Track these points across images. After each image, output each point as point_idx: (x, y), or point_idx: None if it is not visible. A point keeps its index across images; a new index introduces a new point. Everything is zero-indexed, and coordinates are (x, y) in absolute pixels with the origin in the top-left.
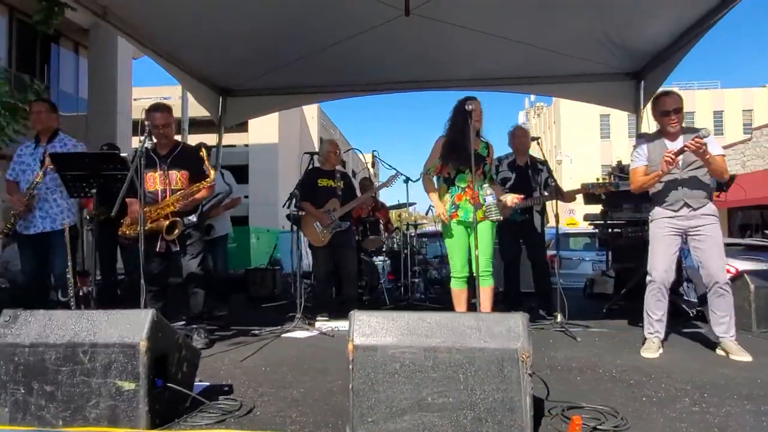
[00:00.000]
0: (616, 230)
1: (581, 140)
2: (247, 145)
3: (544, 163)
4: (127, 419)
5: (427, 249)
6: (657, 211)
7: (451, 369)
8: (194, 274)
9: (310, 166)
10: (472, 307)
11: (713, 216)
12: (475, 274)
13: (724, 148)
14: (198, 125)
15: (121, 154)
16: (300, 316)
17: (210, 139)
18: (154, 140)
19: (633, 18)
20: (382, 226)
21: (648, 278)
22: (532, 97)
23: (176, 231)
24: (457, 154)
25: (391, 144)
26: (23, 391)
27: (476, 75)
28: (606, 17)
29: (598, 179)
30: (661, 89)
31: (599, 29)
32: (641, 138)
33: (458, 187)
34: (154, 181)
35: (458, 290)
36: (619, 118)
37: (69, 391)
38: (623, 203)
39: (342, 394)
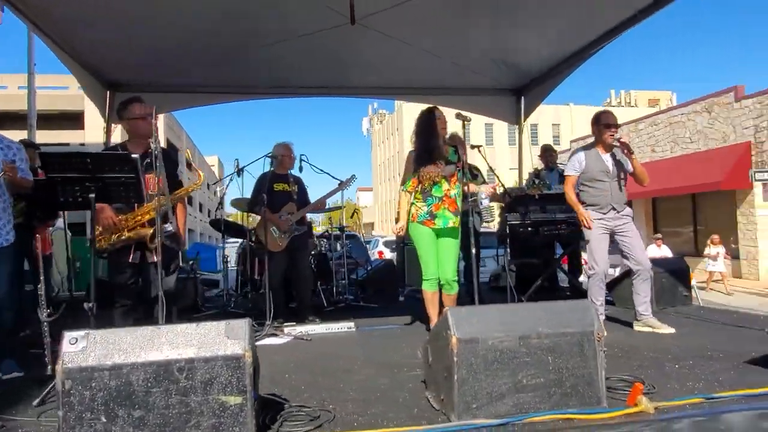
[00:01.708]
0: (529, 228)
1: None
2: (83, 144)
3: (478, 169)
4: None
5: (351, 251)
6: (590, 214)
7: (541, 353)
8: (171, 292)
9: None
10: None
11: (630, 216)
12: (442, 282)
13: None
14: (47, 120)
15: (133, 155)
16: (269, 323)
17: (57, 136)
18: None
19: (524, 42)
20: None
21: (590, 271)
22: (375, 104)
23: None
24: (429, 156)
25: (239, 150)
26: (104, 420)
27: (385, 84)
28: (503, 39)
29: (516, 182)
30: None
31: (497, 49)
32: (579, 148)
33: (435, 197)
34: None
35: (431, 292)
36: (456, 127)
37: (163, 413)
38: (530, 205)
39: (400, 389)
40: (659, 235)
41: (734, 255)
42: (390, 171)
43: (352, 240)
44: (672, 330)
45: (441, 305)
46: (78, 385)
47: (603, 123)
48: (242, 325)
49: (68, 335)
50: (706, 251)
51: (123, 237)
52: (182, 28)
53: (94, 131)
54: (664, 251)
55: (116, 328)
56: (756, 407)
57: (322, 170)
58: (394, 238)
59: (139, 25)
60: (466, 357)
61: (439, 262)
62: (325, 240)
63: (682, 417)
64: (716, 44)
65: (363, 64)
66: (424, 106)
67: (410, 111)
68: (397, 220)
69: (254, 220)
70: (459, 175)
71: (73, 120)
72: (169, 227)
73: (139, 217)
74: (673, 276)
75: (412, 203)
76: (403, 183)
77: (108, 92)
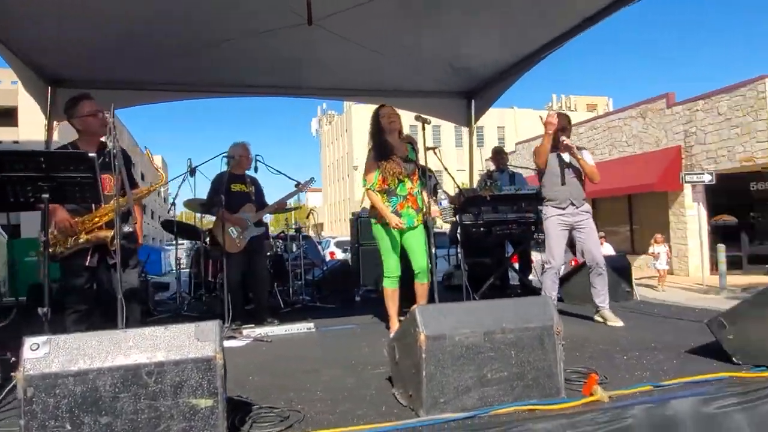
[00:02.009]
0: (482, 229)
1: None
2: (17, 141)
3: (432, 171)
4: None
5: (307, 252)
6: (549, 210)
7: (505, 347)
8: (135, 289)
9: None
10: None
11: (589, 213)
12: (417, 271)
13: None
14: None
15: (90, 154)
16: (228, 325)
17: None
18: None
19: (475, 47)
20: None
21: (547, 265)
22: (324, 104)
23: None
24: (385, 153)
25: (184, 150)
26: (69, 428)
27: (338, 85)
28: (456, 44)
29: (463, 184)
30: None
31: (449, 53)
32: None
33: (400, 196)
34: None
35: (392, 289)
36: (404, 128)
37: (131, 419)
38: (483, 206)
39: (366, 387)
40: (602, 233)
41: None
42: (339, 172)
43: (306, 241)
44: (621, 323)
45: (404, 300)
46: (41, 392)
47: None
48: (212, 326)
49: (29, 341)
50: (650, 250)
51: (80, 240)
52: (131, 23)
53: (30, 128)
54: (607, 249)
55: (81, 333)
56: (698, 393)
57: (278, 171)
58: (346, 238)
59: (85, 19)
60: (434, 353)
61: (411, 254)
62: (281, 241)
63: (634, 404)
64: (650, 53)
65: (317, 65)
66: (366, 112)
67: (359, 112)
68: (384, 221)
69: (207, 221)
70: (419, 173)
71: (6, 116)
72: (127, 228)
73: (97, 219)
74: (616, 273)
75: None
76: (370, 184)
77: (49, 88)
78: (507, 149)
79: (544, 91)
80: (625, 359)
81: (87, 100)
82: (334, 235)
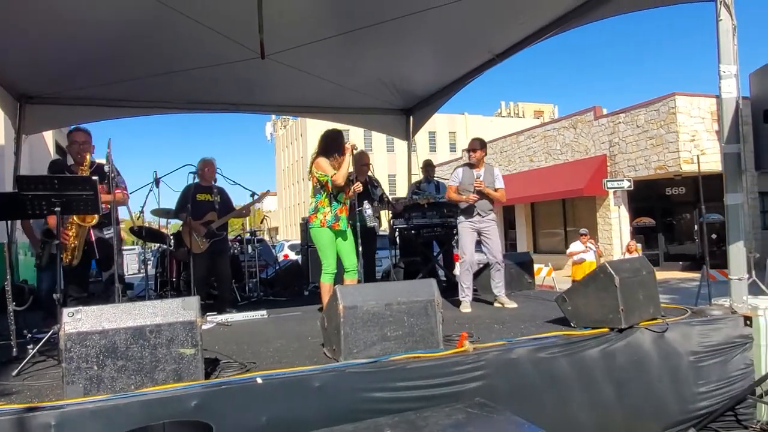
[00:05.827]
0: (413, 231)
1: None
2: None
3: (378, 182)
4: (188, 376)
5: (261, 253)
6: (461, 218)
7: (400, 314)
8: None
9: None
10: None
11: (494, 221)
12: (348, 269)
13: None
14: None
15: (93, 178)
16: None
17: None
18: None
19: (410, 72)
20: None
21: (461, 260)
22: None
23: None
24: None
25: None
26: (96, 369)
27: (290, 103)
28: (392, 69)
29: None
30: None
31: (386, 77)
32: (459, 165)
33: (339, 202)
34: None
35: (329, 284)
36: (356, 135)
37: (139, 362)
38: (413, 212)
39: (305, 349)
40: (584, 231)
41: None
42: (294, 176)
43: (261, 244)
44: (515, 305)
45: None
46: (76, 344)
47: (466, 149)
48: (194, 300)
49: (66, 311)
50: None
51: (75, 243)
52: (97, 46)
53: None
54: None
55: (102, 305)
56: (534, 344)
57: (235, 182)
58: (298, 241)
59: (53, 41)
60: (349, 318)
61: (343, 255)
62: (237, 243)
63: (489, 352)
64: (582, 65)
65: (271, 87)
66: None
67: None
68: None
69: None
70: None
71: None
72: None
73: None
74: (520, 266)
75: (319, 209)
76: (327, 178)
77: (19, 104)
78: (458, 154)
79: (494, 98)
80: (500, 328)
81: (74, 131)
82: (288, 239)
